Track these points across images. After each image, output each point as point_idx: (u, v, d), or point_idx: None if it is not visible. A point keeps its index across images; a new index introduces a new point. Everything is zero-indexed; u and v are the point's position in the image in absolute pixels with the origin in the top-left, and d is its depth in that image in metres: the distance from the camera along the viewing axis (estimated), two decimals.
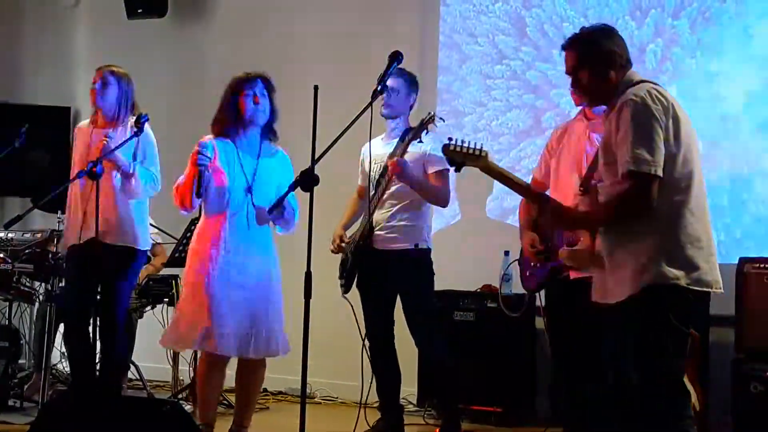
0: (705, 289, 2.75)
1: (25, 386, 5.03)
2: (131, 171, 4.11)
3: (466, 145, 3.13)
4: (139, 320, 5.27)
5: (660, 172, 2.69)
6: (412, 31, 5.57)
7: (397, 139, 4.33)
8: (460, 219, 5.39)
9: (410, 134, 4.17)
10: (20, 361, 5.38)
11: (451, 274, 4.90)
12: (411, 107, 4.40)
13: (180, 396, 5.16)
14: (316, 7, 5.95)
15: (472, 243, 5.30)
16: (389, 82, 3.96)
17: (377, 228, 4.32)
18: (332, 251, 4.41)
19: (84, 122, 4.43)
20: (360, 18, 5.79)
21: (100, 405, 3.51)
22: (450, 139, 3.13)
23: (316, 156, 3.14)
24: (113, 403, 3.63)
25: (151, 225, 4.88)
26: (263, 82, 3.84)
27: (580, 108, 3.73)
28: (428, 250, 4.36)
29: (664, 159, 2.70)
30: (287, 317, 3.87)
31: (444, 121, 4.25)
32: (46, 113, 6.45)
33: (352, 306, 4.22)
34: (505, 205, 5.26)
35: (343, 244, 4.42)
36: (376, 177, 4.33)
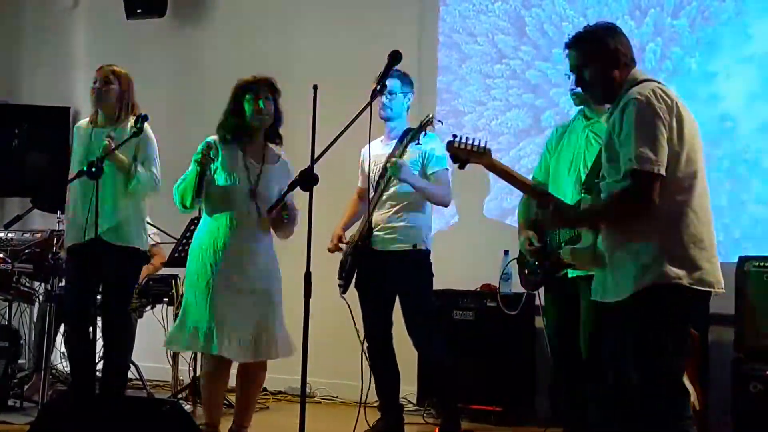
0: (707, 289, 2.75)
1: (25, 386, 5.03)
2: (132, 171, 4.11)
3: (470, 142, 3.13)
4: (138, 320, 5.27)
5: (663, 171, 2.69)
6: (411, 30, 5.57)
7: (396, 140, 4.34)
8: (460, 219, 5.39)
9: (409, 136, 4.17)
10: (20, 361, 5.38)
11: (451, 273, 4.90)
12: (408, 107, 4.41)
13: (180, 396, 5.16)
14: (314, 7, 5.95)
15: (472, 242, 5.30)
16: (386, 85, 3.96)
17: (376, 229, 4.32)
18: (329, 250, 4.41)
19: (83, 121, 4.43)
20: (359, 18, 5.78)
21: (99, 405, 3.52)
22: (454, 136, 3.13)
23: (316, 156, 3.14)
24: (113, 403, 3.63)
25: (150, 224, 4.88)
26: (268, 86, 3.85)
27: (579, 108, 3.73)
28: (427, 252, 4.37)
29: (667, 158, 2.70)
30: (287, 317, 3.88)
31: (442, 123, 4.28)
32: (45, 113, 6.45)
33: (349, 307, 4.22)
34: (504, 205, 5.27)
35: (341, 244, 4.43)
36: (375, 178, 4.34)
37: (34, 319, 5.51)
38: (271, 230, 3.90)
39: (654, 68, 4.80)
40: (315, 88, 3.15)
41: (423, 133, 4.13)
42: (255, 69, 3.99)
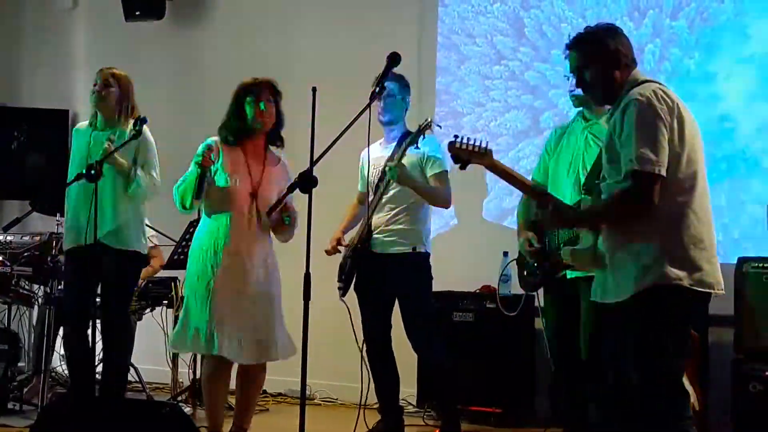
0: (707, 290, 2.75)
1: (25, 389, 5.03)
2: (133, 175, 4.11)
3: (471, 142, 3.12)
4: (138, 322, 5.27)
5: (664, 172, 2.69)
6: (410, 31, 5.57)
7: (395, 143, 4.35)
8: (459, 221, 5.39)
9: (408, 140, 4.18)
10: (19, 364, 5.37)
11: (450, 275, 4.90)
12: (406, 110, 4.41)
13: (179, 398, 5.15)
14: (313, 8, 5.96)
15: (471, 244, 5.30)
16: (385, 87, 3.97)
17: (375, 231, 4.32)
18: (327, 252, 4.41)
19: (82, 124, 4.42)
20: (358, 19, 5.79)
21: (99, 408, 3.52)
22: (456, 136, 3.12)
23: (315, 158, 3.13)
24: (112, 405, 3.63)
25: (149, 227, 4.88)
26: (270, 88, 3.86)
27: (578, 109, 3.74)
28: (427, 254, 4.37)
29: (668, 159, 2.70)
30: (287, 319, 3.88)
31: (441, 127, 4.28)
32: (44, 116, 6.45)
33: (349, 310, 4.22)
34: (503, 206, 5.27)
35: (340, 247, 4.43)
36: (375, 181, 4.34)
37: (34, 322, 5.50)
38: (271, 232, 3.90)
39: (653, 69, 4.80)
40: (314, 90, 3.15)
41: (422, 137, 4.15)
42: (254, 70, 3.99)
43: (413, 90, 4.56)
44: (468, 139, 3.12)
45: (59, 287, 4.69)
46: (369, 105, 3.42)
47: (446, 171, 4.33)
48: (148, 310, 5.26)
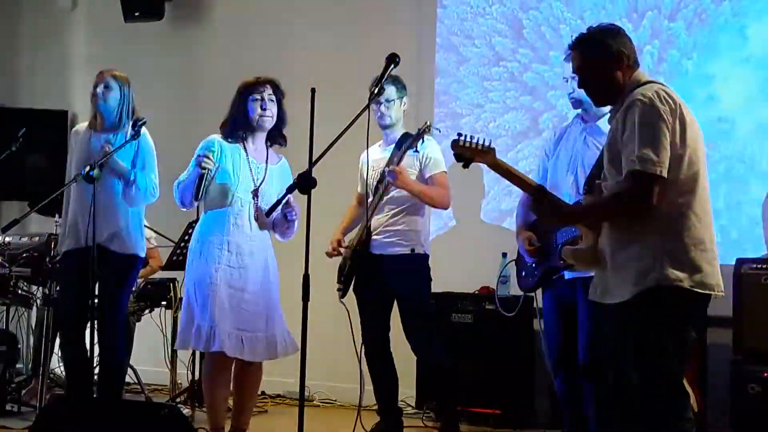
0: (707, 292, 2.76)
1: (23, 391, 5.03)
2: (132, 178, 4.11)
3: (474, 141, 3.11)
4: (136, 324, 5.26)
5: (665, 173, 2.69)
6: (409, 33, 5.57)
7: (394, 145, 4.36)
8: (458, 222, 5.39)
9: (407, 143, 4.18)
10: (18, 366, 5.37)
11: (449, 276, 4.90)
12: (404, 111, 4.42)
13: (178, 400, 5.15)
14: (312, 9, 5.96)
15: (470, 245, 5.31)
16: (384, 88, 3.98)
17: (375, 233, 4.33)
18: (328, 254, 4.42)
19: (82, 125, 4.41)
20: (357, 20, 5.79)
21: (97, 409, 3.51)
22: (459, 135, 3.11)
23: (314, 159, 3.14)
24: (111, 406, 3.63)
25: (148, 228, 4.88)
26: (272, 87, 3.87)
27: (577, 111, 3.75)
28: (426, 255, 4.37)
29: (669, 160, 2.70)
30: (286, 320, 3.88)
31: (440, 131, 4.29)
32: (43, 116, 6.45)
33: (348, 311, 4.22)
34: (502, 208, 5.27)
35: (341, 248, 4.43)
36: (374, 183, 4.35)
37: (32, 323, 5.50)
38: (271, 231, 3.91)
39: (651, 70, 4.80)
40: (313, 91, 3.15)
41: (421, 140, 4.15)
42: (253, 71, 3.99)
43: (412, 91, 4.56)
44: (471, 137, 3.11)
45: (57, 288, 4.68)
46: (368, 106, 3.42)
47: (445, 173, 4.34)
48: (146, 311, 5.26)
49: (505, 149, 5.31)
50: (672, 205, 2.74)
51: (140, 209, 4.28)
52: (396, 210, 4.32)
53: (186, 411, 4.81)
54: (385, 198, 4.32)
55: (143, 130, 4.14)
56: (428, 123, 4.23)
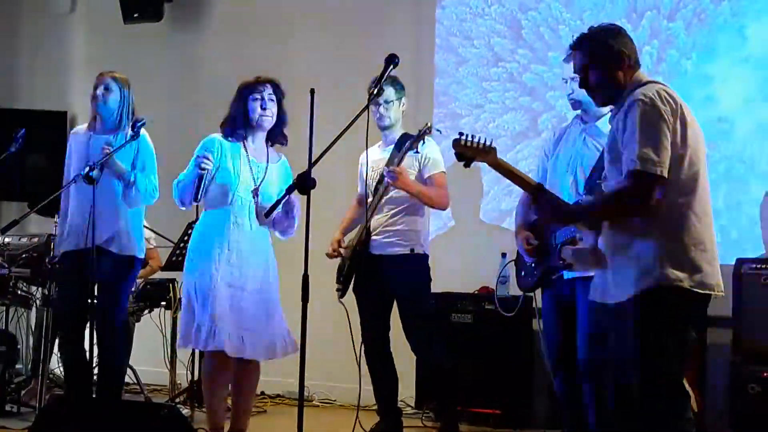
0: (707, 292, 2.76)
1: (23, 391, 5.03)
2: (132, 180, 4.12)
3: (476, 140, 3.10)
4: (136, 324, 5.26)
5: (665, 173, 2.69)
6: (408, 33, 5.58)
7: (393, 146, 4.36)
8: (458, 222, 5.39)
9: (407, 144, 4.18)
10: (17, 366, 5.37)
11: (449, 276, 4.91)
12: (403, 112, 4.43)
13: (177, 400, 5.15)
14: (311, 10, 5.96)
15: (470, 245, 5.31)
16: (383, 89, 3.98)
17: (374, 233, 4.33)
18: (328, 255, 4.42)
19: (81, 127, 4.42)
20: (356, 21, 5.79)
21: (97, 409, 3.51)
22: (460, 134, 3.11)
23: (313, 159, 3.14)
24: (110, 407, 3.63)
25: (147, 228, 4.88)
26: (272, 87, 3.88)
27: (576, 112, 3.75)
28: (425, 256, 4.37)
29: (670, 161, 2.71)
30: (285, 320, 3.88)
31: (441, 132, 4.29)
32: (42, 117, 6.45)
33: (347, 311, 4.22)
34: (501, 208, 5.27)
35: (341, 249, 4.44)
36: (374, 184, 4.35)
37: (32, 324, 5.50)
38: (270, 229, 3.92)
39: (650, 71, 4.80)
40: (312, 92, 3.15)
41: (421, 142, 4.15)
42: (252, 72, 4.00)
43: (411, 92, 4.56)
44: (472, 136, 3.10)
45: (56, 289, 4.68)
46: (367, 107, 3.42)
47: (444, 173, 4.34)
48: (146, 311, 5.26)
49: (504, 150, 5.30)
50: (672, 205, 2.74)
51: (140, 210, 4.28)
52: (395, 210, 4.33)
53: (185, 411, 4.81)
54: (385, 198, 4.32)
55: (143, 131, 4.14)
56: (429, 124, 4.24)
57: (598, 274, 2.94)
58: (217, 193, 3.83)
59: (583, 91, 3.40)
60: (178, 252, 4.90)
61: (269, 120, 3.89)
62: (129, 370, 5.03)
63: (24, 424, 4.46)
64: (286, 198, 3.49)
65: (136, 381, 5.26)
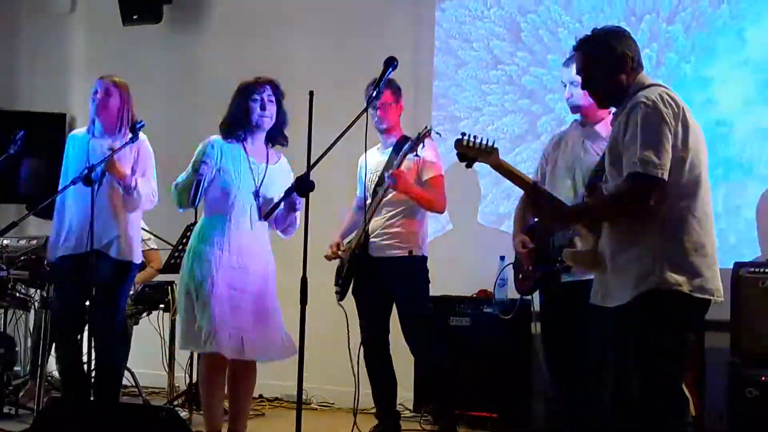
0: (706, 297, 2.76)
1: (21, 392, 5.02)
2: (133, 185, 4.12)
3: (478, 141, 3.09)
4: (134, 326, 5.26)
5: (666, 176, 2.69)
6: (407, 36, 5.58)
7: (392, 148, 4.36)
8: (456, 225, 5.39)
9: (407, 147, 4.18)
10: (15, 369, 5.36)
11: (447, 279, 4.90)
12: (400, 114, 4.43)
13: (176, 403, 5.15)
14: (310, 12, 5.96)
15: (468, 248, 5.31)
16: (382, 90, 3.98)
17: (373, 235, 4.33)
18: (326, 257, 4.42)
19: (79, 130, 4.42)
20: (355, 23, 5.79)
21: (95, 412, 3.51)
22: (462, 134, 3.10)
23: (312, 162, 3.14)
24: (108, 409, 3.62)
25: (146, 231, 4.88)
26: (272, 88, 3.87)
27: (575, 115, 3.76)
28: (424, 258, 4.37)
29: (671, 164, 2.70)
30: (284, 322, 3.88)
31: (441, 135, 4.29)
32: (41, 119, 6.44)
33: (346, 314, 4.22)
34: (500, 211, 5.27)
35: (339, 252, 4.44)
36: (372, 186, 4.35)
37: (30, 326, 5.49)
38: (271, 229, 3.91)
39: (649, 74, 4.77)
40: (311, 94, 3.15)
41: (421, 144, 4.15)
42: (252, 73, 3.99)
43: (410, 94, 4.57)
44: (474, 137, 3.09)
45: (54, 291, 4.67)
46: (366, 109, 3.42)
47: (442, 176, 4.34)
48: (144, 314, 5.25)
49: (503, 152, 5.20)
50: (673, 208, 2.74)
51: (138, 215, 4.29)
52: (393, 212, 4.33)
53: (184, 414, 4.81)
54: (384, 200, 4.32)
55: (143, 136, 4.15)
56: (428, 127, 4.23)
57: (598, 278, 2.94)
58: (218, 195, 3.83)
59: (583, 95, 3.41)
60: (176, 254, 4.89)
61: (268, 120, 3.88)
62: (127, 373, 5.02)
63: (22, 426, 4.45)
64: (289, 197, 3.49)
65: (134, 384, 5.25)
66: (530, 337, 4.77)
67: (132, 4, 6.29)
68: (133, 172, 4.17)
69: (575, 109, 3.69)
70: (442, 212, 4.52)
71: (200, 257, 3.80)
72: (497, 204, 5.30)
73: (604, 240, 2.88)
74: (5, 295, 5.00)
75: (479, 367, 4.79)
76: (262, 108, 3.84)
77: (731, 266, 4.26)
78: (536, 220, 3.60)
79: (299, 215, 3.80)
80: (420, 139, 4.15)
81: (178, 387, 5.28)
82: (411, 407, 5.03)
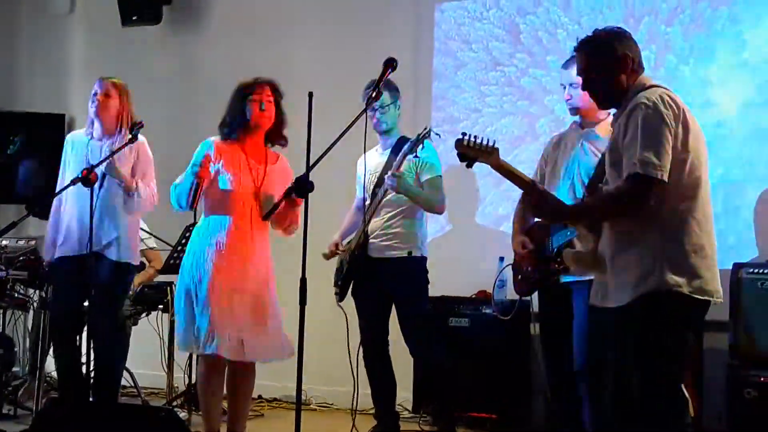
0: (706, 298, 2.76)
1: (20, 391, 5.02)
2: (134, 187, 4.12)
3: (479, 141, 3.09)
4: (133, 327, 5.25)
5: (666, 178, 2.70)
6: (407, 37, 5.58)
7: (390, 150, 4.36)
8: (456, 226, 5.39)
9: (406, 148, 4.18)
10: (14, 369, 5.36)
11: (447, 280, 4.90)
12: (399, 115, 4.43)
13: (175, 403, 5.14)
14: (310, 13, 5.96)
15: (467, 249, 5.31)
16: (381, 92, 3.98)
17: (372, 236, 4.33)
18: (324, 256, 4.42)
19: (78, 132, 4.42)
20: (355, 24, 5.80)
21: (94, 412, 3.51)
22: (463, 134, 3.10)
23: (311, 162, 3.14)
24: (107, 410, 3.62)
25: (145, 231, 4.88)
26: (270, 88, 3.87)
27: (574, 117, 3.77)
28: (423, 258, 4.37)
29: (671, 165, 2.71)
30: (283, 323, 3.88)
31: (440, 136, 4.29)
32: (40, 120, 6.44)
33: (345, 315, 4.22)
34: (499, 212, 5.27)
35: (338, 251, 4.44)
36: (372, 187, 4.36)
37: (29, 326, 5.49)
38: (269, 232, 3.91)
39: (648, 76, 4.81)
40: (310, 95, 3.15)
41: (421, 146, 4.15)
42: (251, 74, 3.99)
43: (409, 95, 4.57)
44: (474, 137, 3.09)
45: (53, 291, 4.67)
46: (365, 110, 3.43)
47: (440, 177, 4.34)
48: (143, 314, 5.25)
49: (502, 154, 5.25)
50: (673, 209, 2.74)
51: (138, 218, 4.30)
52: (392, 213, 4.33)
53: (183, 415, 4.80)
54: (383, 201, 4.32)
55: (142, 137, 4.15)
56: (428, 128, 4.23)
57: (598, 279, 2.94)
58: (217, 197, 3.83)
59: (582, 97, 3.42)
60: (175, 255, 4.89)
61: (267, 121, 3.88)
62: (126, 374, 5.02)
63: (21, 427, 4.45)
64: (289, 197, 3.49)
65: (133, 384, 5.25)
66: (529, 337, 4.77)
67: (131, 5, 6.29)
68: (133, 173, 4.17)
69: (574, 110, 3.70)
70: (441, 213, 4.52)
71: (200, 258, 3.79)
72: (496, 205, 5.31)
73: (605, 241, 2.88)
74: (4, 296, 5.00)
75: (478, 367, 4.80)
76: (261, 108, 3.84)
77: (730, 267, 4.27)
78: (536, 220, 3.60)
79: (300, 214, 3.80)
80: (419, 140, 4.16)
81: (177, 388, 5.27)
82: (410, 408, 5.03)
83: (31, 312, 5.34)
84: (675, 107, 2.76)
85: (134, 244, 4.27)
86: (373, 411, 4.49)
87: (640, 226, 2.76)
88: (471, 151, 3.07)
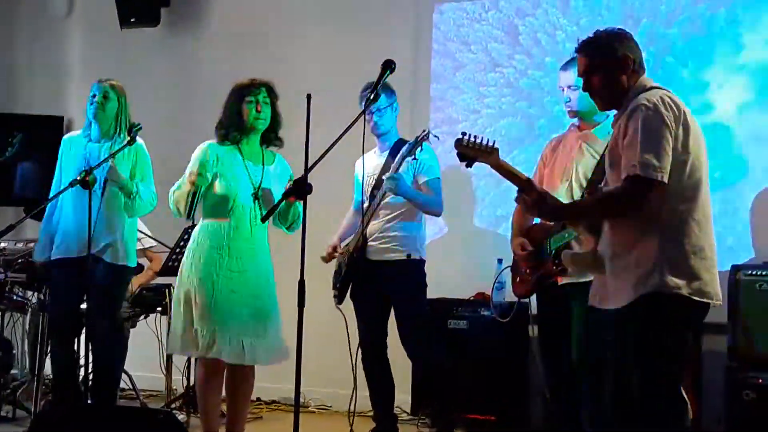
0: (705, 300, 2.76)
1: (19, 391, 5.01)
2: (135, 191, 4.12)
3: (479, 141, 3.08)
4: (131, 329, 5.25)
5: (665, 179, 2.70)
6: (405, 38, 5.58)
7: (388, 152, 4.36)
8: (454, 228, 5.39)
9: (404, 150, 4.18)
10: (13, 371, 5.35)
11: (445, 282, 4.90)
12: (396, 117, 4.43)
13: (173, 406, 5.14)
14: (309, 15, 5.96)
15: (466, 251, 5.31)
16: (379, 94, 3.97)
17: (371, 239, 4.33)
18: (322, 258, 4.43)
19: (75, 133, 4.42)
20: (354, 26, 5.80)
21: (92, 415, 3.50)
22: (463, 134, 3.10)
23: (310, 165, 3.14)
24: (106, 412, 3.62)
25: (143, 233, 4.88)
26: (266, 90, 3.87)
27: (573, 119, 3.77)
28: (422, 261, 4.38)
29: (671, 167, 2.71)
30: (282, 325, 3.88)
31: (439, 138, 4.29)
32: (39, 122, 6.44)
33: (345, 317, 4.22)
34: (498, 213, 5.27)
35: (336, 254, 4.44)
36: (370, 189, 4.36)
37: (27, 328, 5.48)
38: (268, 233, 3.91)
39: (649, 77, 4.82)
40: (308, 97, 3.15)
41: (419, 148, 4.15)
42: (249, 76, 3.99)
43: (408, 96, 4.57)
44: (474, 137, 3.09)
45: (51, 293, 4.67)
46: (363, 112, 3.43)
47: (439, 179, 4.35)
48: (142, 317, 5.24)
49: (501, 155, 5.29)
50: (673, 211, 2.74)
51: (135, 220, 4.30)
52: (391, 215, 4.33)
53: (181, 417, 4.80)
54: (381, 203, 4.32)
55: (140, 140, 4.15)
56: (426, 131, 4.23)
57: (597, 280, 2.94)
58: (216, 200, 3.82)
59: (581, 99, 3.42)
60: (174, 257, 4.89)
61: (263, 123, 3.88)
62: (124, 376, 5.01)
63: (19, 429, 4.44)
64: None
65: (131, 387, 5.24)
66: (528, 339, 4.77)
67: (129, 7, 6.28)
68: (132, 176, 4.17)
69: (572, 113, 3.71)
70: (439, 215, 4.52)
71: (199, 261, 3.79)
72: (495, 207, 5.30)
73: (604, 241, 2.88)
74: (2, 298, 4.99)
75: (477, 369, 4.79)
76: (257, 110, 3.84)
77: (728, 269, 4.27)
78: (534, 222, 3.61)
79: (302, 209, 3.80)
80: (418, 142, 4.16)
81: (176, 390, 5.27)
82: (408, 410, 5.03)
83: (30, 314, 5.34)
84: (675, 109, 2.76)
85: (132, 245, 4.28)
86: (371, 413, 4.49)
87: (640, 227, 2.76)
88: (471, 151, 3.07)
